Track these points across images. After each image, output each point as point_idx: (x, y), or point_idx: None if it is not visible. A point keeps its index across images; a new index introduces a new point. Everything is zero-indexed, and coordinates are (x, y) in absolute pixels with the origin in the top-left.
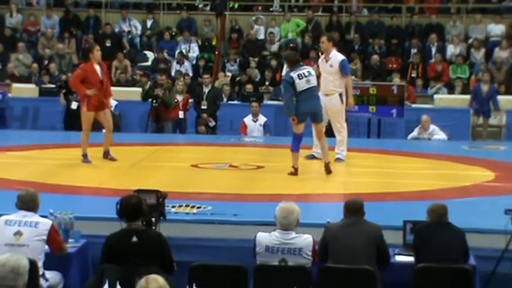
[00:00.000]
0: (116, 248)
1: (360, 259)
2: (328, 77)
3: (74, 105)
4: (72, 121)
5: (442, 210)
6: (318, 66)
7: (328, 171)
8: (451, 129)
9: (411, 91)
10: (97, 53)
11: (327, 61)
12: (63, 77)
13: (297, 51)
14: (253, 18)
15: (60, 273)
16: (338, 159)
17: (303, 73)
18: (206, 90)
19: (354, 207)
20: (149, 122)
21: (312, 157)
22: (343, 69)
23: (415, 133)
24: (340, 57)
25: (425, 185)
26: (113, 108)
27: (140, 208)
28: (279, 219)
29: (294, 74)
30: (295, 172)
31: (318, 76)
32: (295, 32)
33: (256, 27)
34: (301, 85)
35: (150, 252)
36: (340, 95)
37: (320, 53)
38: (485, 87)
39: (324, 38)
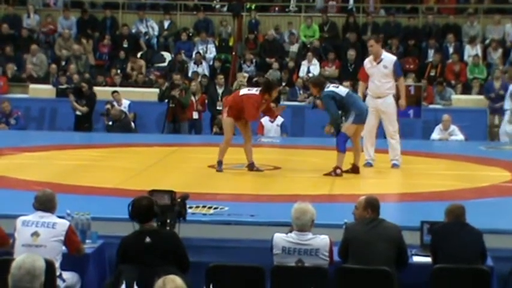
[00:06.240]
0: (130, 249)
1: (381, 260)
2: (382, 78)
3: (78, 112)
4: (79, 123)
5: (459, 211)
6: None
7: (357, 172)
8: (468, 130)
9: (430, 91)
10: (274, 94)
11: (378, 63)
12: (75, 76)
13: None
14: (274, 26)
15: (78, 274)
16: (395, 165)
17: (335, 85)
18: (220, 91)
19: (376, 204)
20: (166, 122)
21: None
22: (398, 69)
23: (436, 133)
24: (393, 57)
25: (443, 186)
26: (126, 109)
27: (151, 209)
28: (293, 220)
29: (328, 88)
30: (341, 173)
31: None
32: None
33: (274, 34)
34: (342, 90)
35: (164, 252)
36: (393, 96)
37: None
38: (497, 84)
39: (372, 42)
